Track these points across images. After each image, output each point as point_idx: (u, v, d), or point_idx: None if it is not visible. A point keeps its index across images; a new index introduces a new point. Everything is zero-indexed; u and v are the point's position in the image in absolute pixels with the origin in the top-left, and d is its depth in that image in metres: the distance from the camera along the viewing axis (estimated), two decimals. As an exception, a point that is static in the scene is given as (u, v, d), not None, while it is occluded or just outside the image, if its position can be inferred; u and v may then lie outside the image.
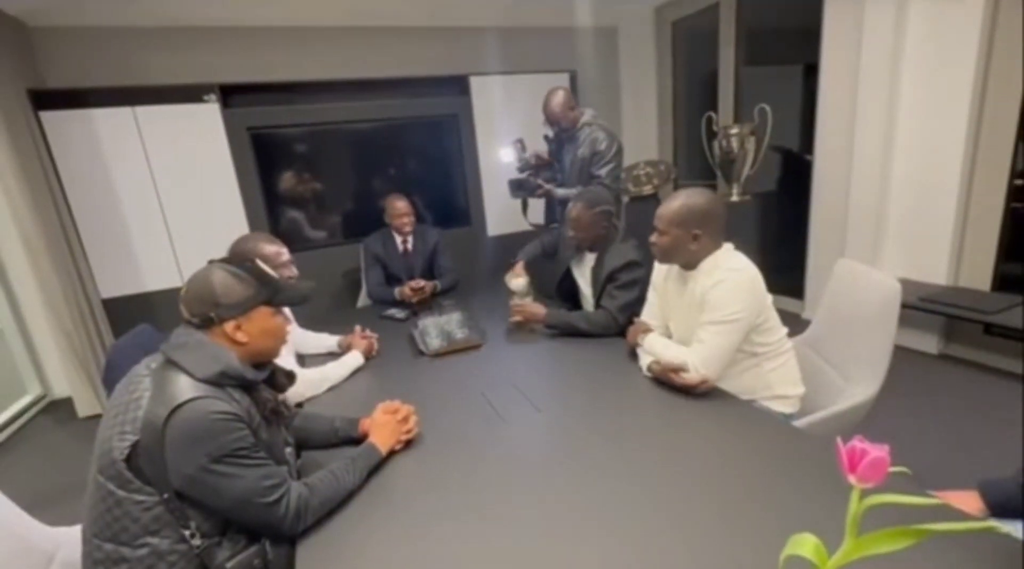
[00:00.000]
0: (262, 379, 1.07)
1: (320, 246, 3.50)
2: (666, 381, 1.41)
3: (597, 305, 1.91)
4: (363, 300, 2.79)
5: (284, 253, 1.68)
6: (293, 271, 1.67)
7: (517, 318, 1.93)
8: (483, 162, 3.74)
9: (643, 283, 1.80)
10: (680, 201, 1.39)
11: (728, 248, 1.43)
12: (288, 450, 1.12)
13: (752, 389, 1.44)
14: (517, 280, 2.12)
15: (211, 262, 1.07)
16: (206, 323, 1.02)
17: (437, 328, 1.92)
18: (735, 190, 3.21)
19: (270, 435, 1.06)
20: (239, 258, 1.09)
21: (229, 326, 1.03)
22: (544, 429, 1.32)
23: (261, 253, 1.60)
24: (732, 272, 1.35)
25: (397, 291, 2.52)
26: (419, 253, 2.70)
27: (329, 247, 3.50)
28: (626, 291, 1.84)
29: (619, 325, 1.82)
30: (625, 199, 3.73)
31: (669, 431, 1.25)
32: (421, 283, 2.48)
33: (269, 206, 3.35)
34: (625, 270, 1.85)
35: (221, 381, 0.98)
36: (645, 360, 1.50)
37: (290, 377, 1.15)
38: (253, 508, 0.97)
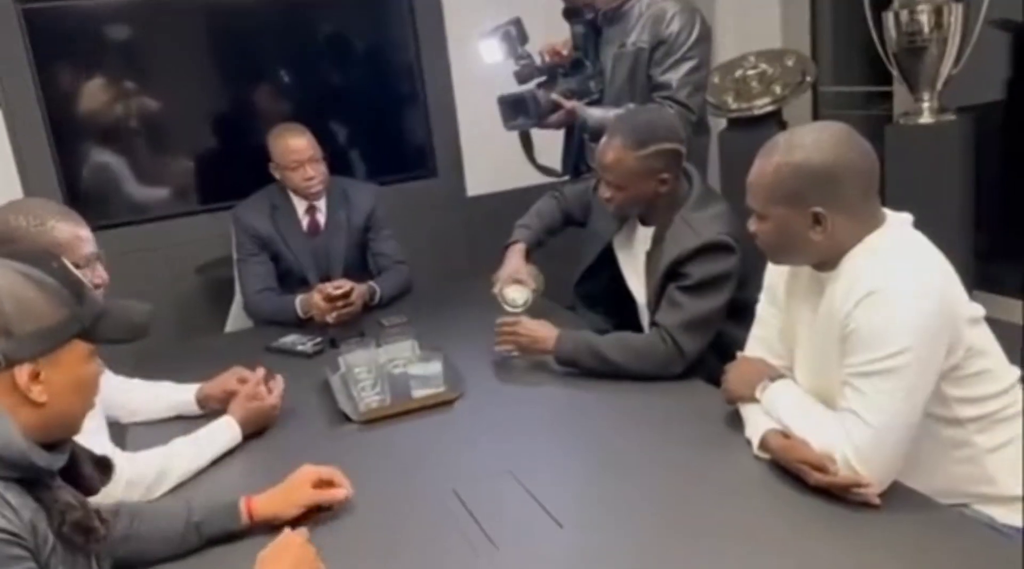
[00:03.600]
0: (58, 469, 1.09)
1: (154, 219, 3.54)
2: (794, 473, 1.42)
3: (654, 318, 1.96)
4: (236, 318, 2.84)
5: (87, 239, 1.66)
6: (101, 273, 1.69)
7: (507, 347, 2.02)
8: (457, 67, 3.77)
9: (734, 282, 1.87)
10: (779, 158, 1.42)
11: (894, 226, 1.44)
12: None
13: (957, 484, 1.44)
14: (514, 288, 2.17)
15: None
16: None
17: (374, 370, 1.95)
18: (926, 103, 3.19)
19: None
20: (10, 249, 1.12)
21: (22, 373, 1.04)
22: (573, 562, 1.34)
23: (51, 239, 1.58)
24: (893, 273, 1.36)
25: (300, 301, 2.54)
26: (339, 231, 2.74)
27: (172, 220, 3.54)
28: (700, 297, 1.88)
29: (684, 358, 1.86)
30: (720, 123, 3.73)
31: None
32: (345, 285, 2.48)
33: (58, 143, 3.35)
34: (700, 259, 1.88)
35: None
36: (759, 428, 1.52)
37: (104, 468, 1.18)
38: None
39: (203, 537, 1.37)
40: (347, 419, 1.85)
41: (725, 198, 2.05)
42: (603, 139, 1.99)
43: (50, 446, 1.07)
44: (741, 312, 1.87)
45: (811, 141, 1.40)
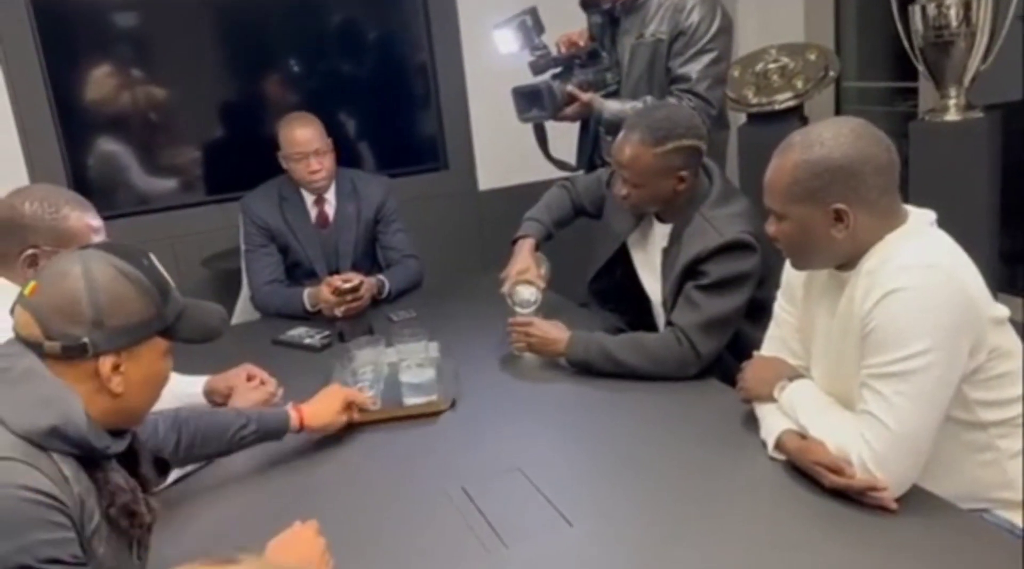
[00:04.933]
0: (118, 453, 1.14)
1: (161, 209, 3.56)
2: (810, 474, 1.44)
3: (669, 317, 1.96)
4: (243, 310, 2.84)
5: (99, 228, 1.68)
6: None
7: (520, 344, 2.04)
8: (470, 58, 3.77)
9: (754, 283, 1.86)
10: (797, 155, 1.41)
11: (917, 224, 1.44)
12: None
13: (977, 489, 1.44)
14: (523, 288, 2.15)
15: (84, 248, 1.16)
16: (67, 352, 1.08)
17: (377, 370, 1.95)
18: (953, 100, 3.16)
19: (113, 552, 1.11)
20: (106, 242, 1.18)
21: (105, 364, 1.09)
22: (583, 561, 1.34)
23: (64, 227, 1.62)
24: (916, 271, 1.35)
25: (309, 294, 2.55)
26: (348, 223, 2.75)
27: (179, 210, 3.56)
28: (719, 296, 1.87)
29: (701, 360, 1.86)
30: (740, 118, 3.72)
31: None
32: (354, 279, 2.48)
33: (66, 132, 3.37)
34: (721, 257, 1.87)
35: (46, 443, 1.04)
36: (776, 427, 1.52)
37: (161, 468, 1.29)
38: None
39: (260, 430, 1.60)
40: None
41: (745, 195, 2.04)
42: (620, 135, 1.96)
43: (112, 432, 1.13)
44: (758, 311, 1.87)
45: (830, 136, 1.40)
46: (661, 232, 2.04)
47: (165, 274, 1.18)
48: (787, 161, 1.42)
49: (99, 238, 1.66)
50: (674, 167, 1.90)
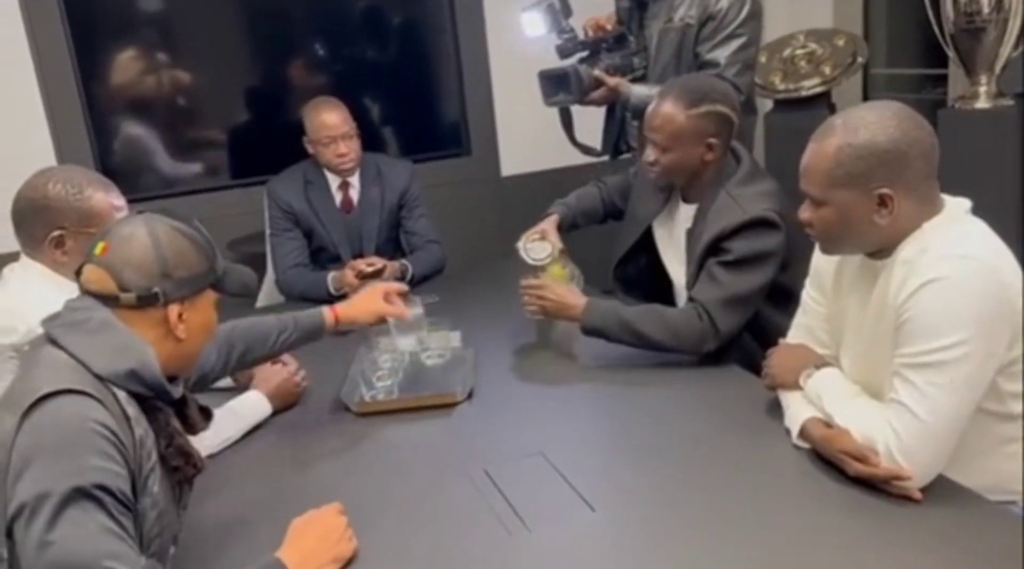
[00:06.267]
0: (176, 399, 1.25)
1: (186, 193, 3.58)
2: (834, 463, 1.43)
3: (690, 293, 1.97)
4: (268, 294, 2.86)
5: (122, 208, 1.71)
6: None
7: (532, 307, 2.01)
8: (494, 42, 3.77)
9: (777, 262, 1.86)
10: (840, 139, 1.39)
11: (954, 212, 1.43)
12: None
13: (1006, 481, 1.43)
14: (538, 244, 2.16)
15: (141, 213, 1.28)
16: (142, 301, 1.20)
17: (397, 358, 1.98)
18: (983, 87, 3.14)
19: (162, 494, 1.19)
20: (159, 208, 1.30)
21: (173, 312, 1.22)
22: (605, 546, 1.34)
23: (88, 207, 1.65)
24: (955, 261, 1.34)
25: (333, 277, 2.57)
26: (372, 208, 2.76)
27: (204, 194, 3.58)
28: (741, 273, 1.86)
29: (719, 336, 1.86)
30: (766, 105, 3.70)
31: (843, 562, 1.24)
32: (378, 263, 2.51)
33: (93, 115, 3.40)
34: (744, 234, 1.86)
35: (124, 384, 1.16)
36: (800, 415, 1.52)
37: (206, 414, 1.35)
38: None
39: (299, 331, 1.73)
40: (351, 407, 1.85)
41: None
42: (654, 101, 1.96)
43: (169, 379, 1.23)
44: (783, 298, 1.87)
45: (874, 119, 1.37)
46: (686, 213, 2.04)
47: (210, 236, 1.30)
48: (829, 144, 1.39)
49: (117, 213, 1.69)
50: (705, 133, 1.90)
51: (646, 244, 2.20)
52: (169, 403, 1.24)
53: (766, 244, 1.85)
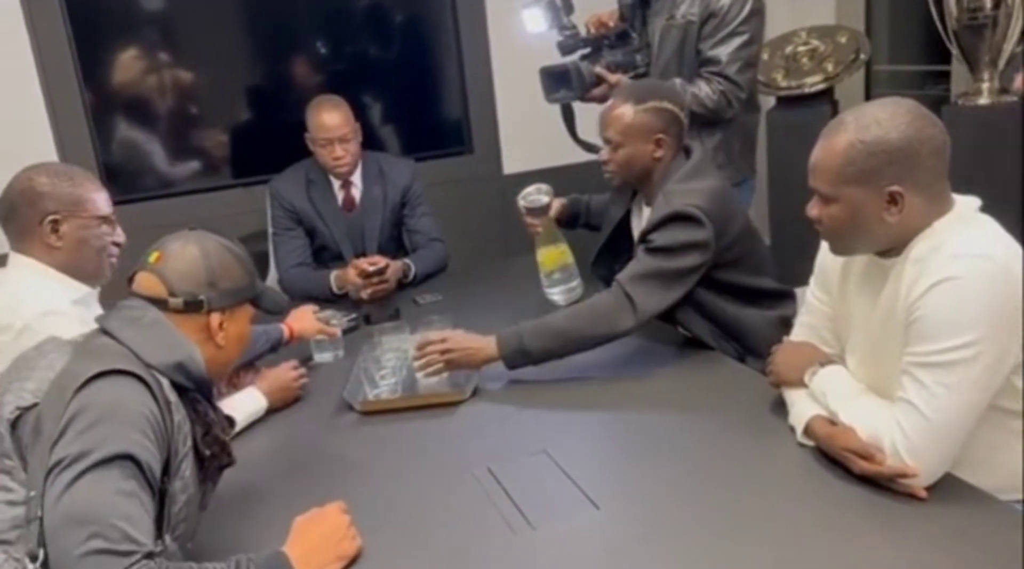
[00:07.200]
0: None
1: (188, 192, 3.58)
2: (839, 461, 1.43)
3: None
4: None
5: (107, 200, 1.80)
6: (120, 233, 1.83)
7: (432, 369, 1.88)
8: (496, 39, 3.76)
9: (701, 254, 1.88)
10: (851, 135, 1.38)
11: (964, 211, 1.42)
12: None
13: (1018, 480, 1.41)
14: (533, 196, 2.27)
15: (193, 228, 1.39)
16: (188, 307, 1.30)
17: (400, 356, 1.99)
18: (986, 84, 3.14)
19: (191, 481, 1.26)
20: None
21: (215, 319, 1.33)
22: (610, 543, 1.34)
23: (77, 196, 1.73)
24: (968, 261, 1.33)
25: (335, 276, 2.58)
26: (374, 206, 2.77)
27: (206, 193, 3.58)
28: (658, 256, 1.89)
29: (636, 311, 1.85)
30: (769, 102, 3.71)
31: (849, 561, 1.23)
32: (380, 261, 2.51)
33: (95, 115, 3.40)
34: (667, 227, 1.89)
35: (172, 375, 1.24)
36: (805, 413, 1.52)
37: (230, 422, 1.44)
38: (69, 544, 1.06)
39: (270, 339, 1.98)
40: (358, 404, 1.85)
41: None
42: (606, 103, 2.07)
43: None
44: (754, 296, 1.96)
45: (886, 116, 1.37)
46: (645, 215, 2.07)
47: (248, 255, 1.42)
48: (839, 141, 1.38)
49: (109, 209, 1.81)
50: (654, 128, 1.97)
51: (624, 241, 2.23)
52: (207, 399, 1.33)
53: (687, 236, 1.87)
